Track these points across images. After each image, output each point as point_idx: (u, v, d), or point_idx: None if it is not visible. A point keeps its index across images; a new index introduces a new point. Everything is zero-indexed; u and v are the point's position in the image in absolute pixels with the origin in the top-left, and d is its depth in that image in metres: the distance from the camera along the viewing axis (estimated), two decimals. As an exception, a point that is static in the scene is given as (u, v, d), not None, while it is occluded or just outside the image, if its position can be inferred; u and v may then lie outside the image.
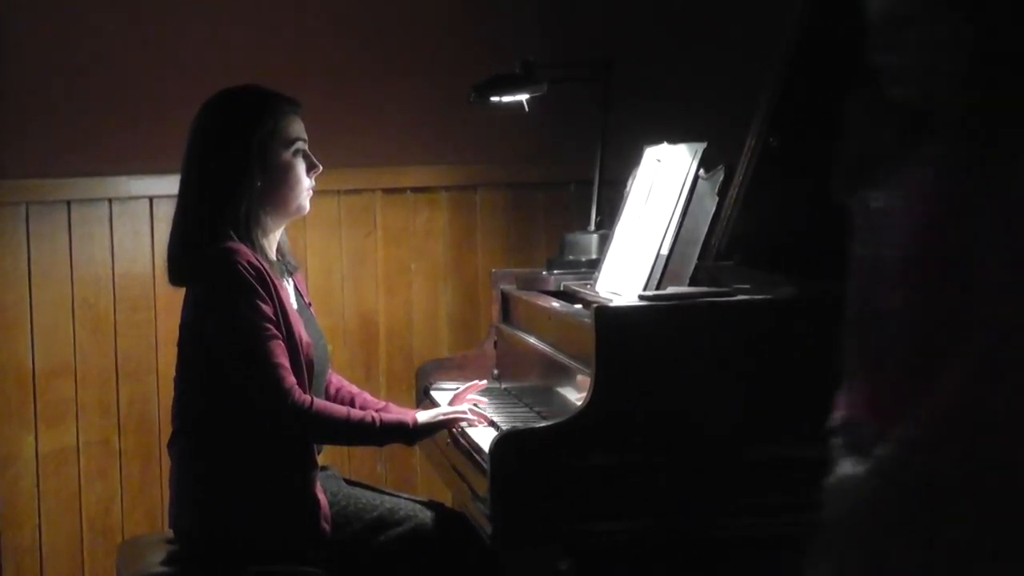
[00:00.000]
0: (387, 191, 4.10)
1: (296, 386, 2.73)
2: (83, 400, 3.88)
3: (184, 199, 2.88)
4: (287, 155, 2.86)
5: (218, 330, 2.77)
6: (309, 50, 4.01)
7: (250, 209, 2.81)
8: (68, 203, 3.85)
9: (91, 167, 3.86)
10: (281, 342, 2.74)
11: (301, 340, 2.80)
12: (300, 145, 2.89)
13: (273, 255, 2.89)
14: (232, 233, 2.79)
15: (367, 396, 3.12)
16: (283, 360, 2.73)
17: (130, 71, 3.90)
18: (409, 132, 4.11)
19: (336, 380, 3.12)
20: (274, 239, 2.92)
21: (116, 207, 3.88)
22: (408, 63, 4.10)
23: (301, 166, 2.88)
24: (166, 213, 3.85)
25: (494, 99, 3.61)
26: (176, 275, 2.88)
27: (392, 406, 3.04)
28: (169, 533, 2.93)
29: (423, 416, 2.90)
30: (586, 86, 3.73)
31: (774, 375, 2.56)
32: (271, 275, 2.78)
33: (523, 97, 3.62)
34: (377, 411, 2.91)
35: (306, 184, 2.90)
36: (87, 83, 3.87)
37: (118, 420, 3.90)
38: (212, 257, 2.76)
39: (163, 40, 3.91)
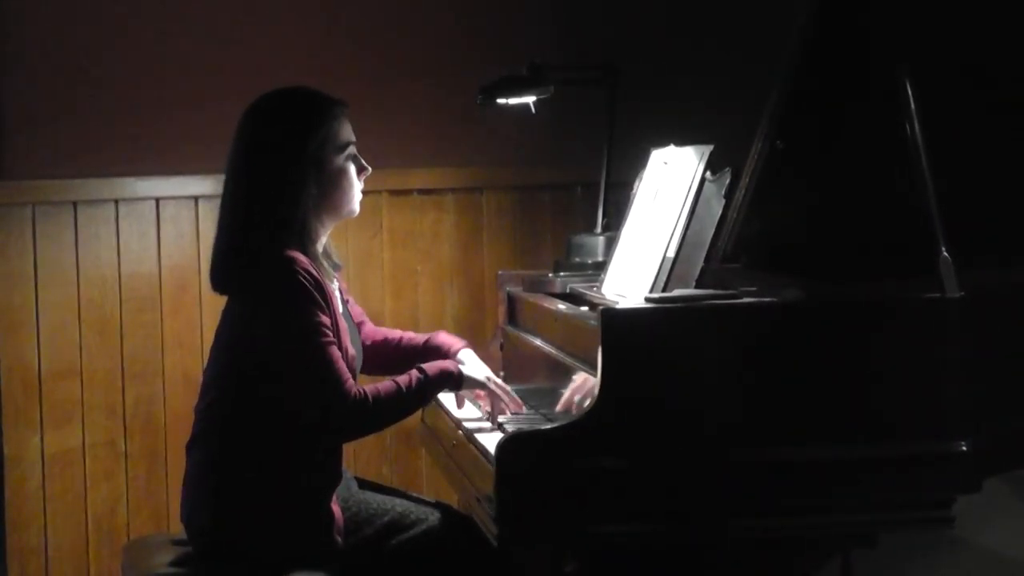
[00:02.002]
0: (393, 193, 4.10)
1: (354, 385, 2.72)
2: (89, 401, 3.88)
3: (233, 206, 2.79)
4: (340, 160, 2.82)
5: (276, 340, 2.71)
6: (315, 52, 4.01)
7: (306, 216, 2.76)
8: (74, 204, 3.85)
9: (97, 168, 3.86)
10: (337, 347, 2.72)
11: (347, 352, 2.78)
12: (352, 149, 2.85)
13: (321, 258, 2.85)
14: (287, 240, 2.73)
15: (411, 334, 3.20)
16: (341, 364, 2.71)
17: (136, 72, 3.90)
18: (415, 134, 4.12)
19: (378, 332, 3.19)
20: (322, 242, 2.88)
21: (122, 208, 3.88)
22: (415, 65, 4.10)
23: (353, 170, 2.85)
24: (172, 214, 3.87)
25: (501, 101, 3.61)
26: (223, 283, 2.80)
27: (442, 335, 3.17)
28: (174, 534, 2.92)
29: (468, 370, 2.96)
30: (593, 88, 3.73)
31: (781, 378, 2.56)
32: (325, 283, 2.75)
33: (530, 99, 3.62)
34: (424, 344, 3.09)
35: (358, 187, 2.87)
36: (93, 84, 3.87)
37: (124, 421, 3.90)
38: (271, 267, 2.71)
39: (169, 41, 3.91)
